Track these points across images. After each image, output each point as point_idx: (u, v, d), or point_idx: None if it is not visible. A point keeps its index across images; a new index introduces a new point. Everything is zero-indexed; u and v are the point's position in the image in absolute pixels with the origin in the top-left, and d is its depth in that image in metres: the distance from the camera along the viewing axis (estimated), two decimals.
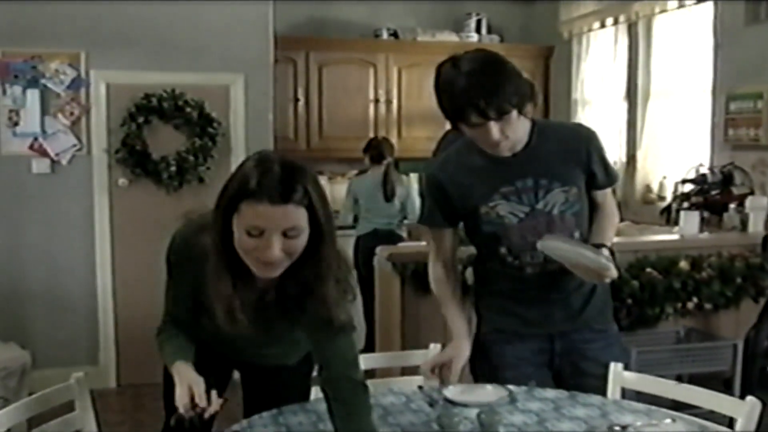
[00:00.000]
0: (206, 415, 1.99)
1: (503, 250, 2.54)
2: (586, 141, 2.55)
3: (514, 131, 2.40)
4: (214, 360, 2.34)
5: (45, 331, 5.25)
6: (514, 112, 2.34)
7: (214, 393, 2.01)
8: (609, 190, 2.66)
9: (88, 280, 5.37)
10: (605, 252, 2.44)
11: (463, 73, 2.31)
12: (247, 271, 1.98)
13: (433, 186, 2.62)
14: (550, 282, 2.53)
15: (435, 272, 2.72)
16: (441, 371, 2.52)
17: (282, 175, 1.89)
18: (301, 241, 1.93)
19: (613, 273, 2.41)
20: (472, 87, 2.28)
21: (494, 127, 2.33)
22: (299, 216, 1.90)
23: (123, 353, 5.43)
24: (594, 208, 2.63)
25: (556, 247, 2.42)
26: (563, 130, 2.63)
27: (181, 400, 2.00)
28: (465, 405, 2.30)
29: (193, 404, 1.99)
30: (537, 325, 2.58)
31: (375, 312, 4.17)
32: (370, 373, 2.93)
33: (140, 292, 5.16)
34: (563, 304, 2.57)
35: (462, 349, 2.57)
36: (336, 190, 6.55)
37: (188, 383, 2.03)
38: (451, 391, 2.40)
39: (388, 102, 6.64)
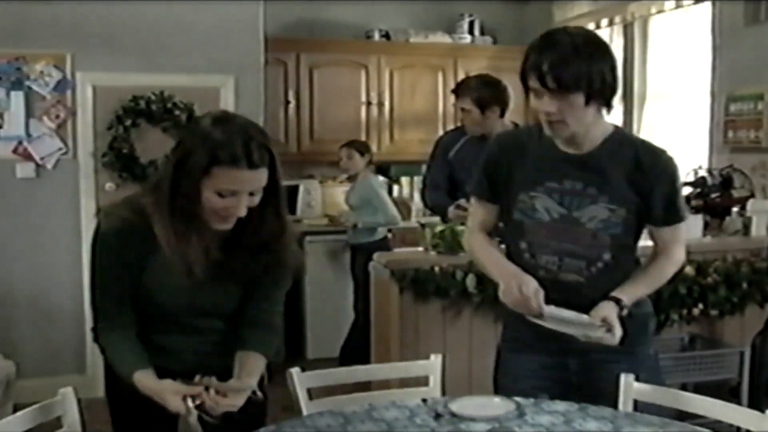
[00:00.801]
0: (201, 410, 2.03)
1: (523, 244, 2.47)
2: (658, 170, 2.40)
3: (577, 119, 2.29)
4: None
5: (30, 340, 5.15)
6: (580, 98, 2.24)
7: (197, 377, 2.08)
8: (677, 237, 2.50)
9: (74, 287, 5.25)
10: (609, 311, 2.31)
11: (549, 39, 2.28)
12: (196, 226, 2.10)
13: (489, 156, 2.56)
14: (564, 293, 2.40)
15: (475, 237, 2.63)
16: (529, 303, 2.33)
17: (253, 140, 2.03)
18: (260, 197, 2.10)
19: (609, 341, 2.29)
20: (545, 51, 2.24)
21: (549, 100, 2.25)
22: (265, 176, 2.07)
23: None
24: (654, 249, 2.51)
25: (546, 320, 2.33)
26: (642, 149, 2.43)
27: (179, 408, 2.03)
28: (472, 419, 2.22)
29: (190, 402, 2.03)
30: (549, 338, 2.44)
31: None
32: (367, 385, 2.85)
33: None
34: None
35: (527, 277, 2.37)
36: (327, 194, 6.47)
37: (169, 391, 2.06)
38: (457, 405, 2.31)
39: (380, 104, 6.57)
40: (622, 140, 2.42)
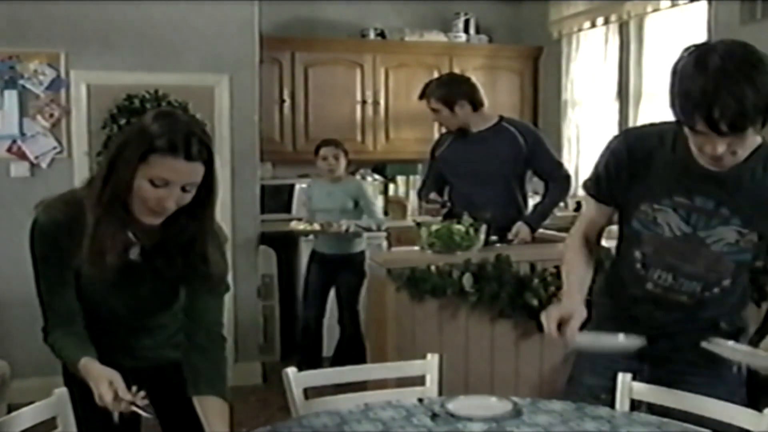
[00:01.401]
0: (135, 407, 2.06)
1: (637, 254, 2.35)
2: None
3: (744, 148, 2.07)
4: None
5: (24, 340, 5.09)
6: (752, 130, 1.99)
7: (134, 387, 2.08)
8: None
9: None
10: None
11: (708, 70, 1.93)
12: (121, 217, 2.10)
13: (613, 155, 2.35)
14: (668, 311, 2.34)
15: (572, 240, 2.48)
16: (561, 329, 2.20)
17: (194, 135, 2.06)
18: (192, 195, 2.10)
19: None
20: (710, 90, 1.91)
21: (721, 142, 1.99)
22: (201, 172, 2.08)
23: None
24: None
25: (725, 349, 2.23)
26: None
27: (105, 397, 2.05)
28: (469, 419, 2.21)
29: (118, 399, 2.05)
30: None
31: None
32: (362, 385, 2.84)
33: None
34: (669, 336, 2.36)
35: (578, 305, 2.25)
36: None
37: (107, 379, 2.08)
38: (454, 405, 2.31)
39: (376, 103, 6.56)
40: (767, 157, 2.18)
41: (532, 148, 4.33)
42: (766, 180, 2.17)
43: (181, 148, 2.02)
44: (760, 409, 2.18)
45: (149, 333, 2.40)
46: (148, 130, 2.05)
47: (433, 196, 4.38)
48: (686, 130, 2.06)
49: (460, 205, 4.21)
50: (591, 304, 2.40)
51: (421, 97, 4.49)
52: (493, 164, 4.29)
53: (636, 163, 2.28)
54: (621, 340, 2.24)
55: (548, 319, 2.20)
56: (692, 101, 1.96)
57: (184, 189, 2.07)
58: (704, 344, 2.22)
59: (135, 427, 2.40)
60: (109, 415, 2.15)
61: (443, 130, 4.65)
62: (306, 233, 5.53)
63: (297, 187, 6.37)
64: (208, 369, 2.25)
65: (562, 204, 6.34)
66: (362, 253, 5.31)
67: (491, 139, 4.31)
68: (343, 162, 5.35)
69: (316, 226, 5.34)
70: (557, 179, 4.41)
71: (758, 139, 2.14)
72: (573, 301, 2.28)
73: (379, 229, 5.47)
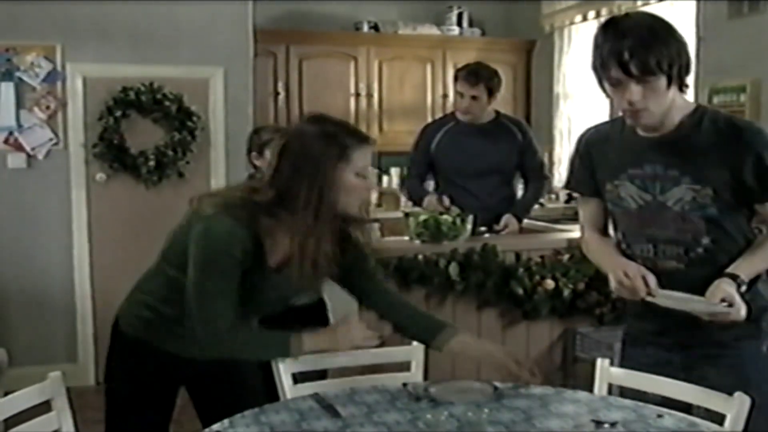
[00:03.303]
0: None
1: (619, 235, 2.50)
2: (746, 144, 2.26)
3: (659, 103, 2.23)
4: (159, 378, 2.43)
5: (22, 329, 5.18)
6: (662, 81, 2.18)
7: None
8: None
9: (65, 277, 5.29)
10: (728, 289, 2.20)
11: (619, 25, 2.21)
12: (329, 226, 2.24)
13: (579, 151, 2.59)
14: (667, 282, 2.32)
15: (589, 237, 2.63)
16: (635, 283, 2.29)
17: (348, 122, 2.34)
18: None
19: (735, 316, 2.19)
20: (621, 39, 2.16)
21: (635, 88, 2.18)
22: None
23: (102, 350, 5.29)
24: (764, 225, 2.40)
25: (667, 298, 2.28)
26: (725, 124, 2.31)
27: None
28: (451, 403, 2.27)
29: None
30: (663, 333, 2.43)
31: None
32: (352, 371, 2.90)
33: (119, 288, 5.03)
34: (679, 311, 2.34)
35: (631, 262, 2.37)
36: None
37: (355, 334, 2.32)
38: (436, 389, 2.37)
39: (369, 96, 6.60)
40: (703, 116, 2.32)
41: (526, 145, 4.48)
42: (706, 137, 2.29)
43: (363, 134, 2.28)
44: None
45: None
46: (329, 135, 2.19)
47: (446, 201, 4.28)
48: (607, 87, 2.25)
49: (456, 198, 4.27)
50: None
51: (470, 79, 4.34)
52: (495, 158, 4.40)
53: (595, 150, 2.51)
54: (703, 302, 2.24)
55: (632, 268, 2.33)
56: (605, 50, 2.20)
57: None
58: (648, 297, 2.29)
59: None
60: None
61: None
62: None
63: None
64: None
65: (553, 196, 6.45)
66: (322, 300, 3.67)
67: (493, 132, 4.41)
68: None
69: None
70: (539, 178, 4.59)
71: (691, 103, 2.36)
72: (629, 261, 2.39)
73: None
